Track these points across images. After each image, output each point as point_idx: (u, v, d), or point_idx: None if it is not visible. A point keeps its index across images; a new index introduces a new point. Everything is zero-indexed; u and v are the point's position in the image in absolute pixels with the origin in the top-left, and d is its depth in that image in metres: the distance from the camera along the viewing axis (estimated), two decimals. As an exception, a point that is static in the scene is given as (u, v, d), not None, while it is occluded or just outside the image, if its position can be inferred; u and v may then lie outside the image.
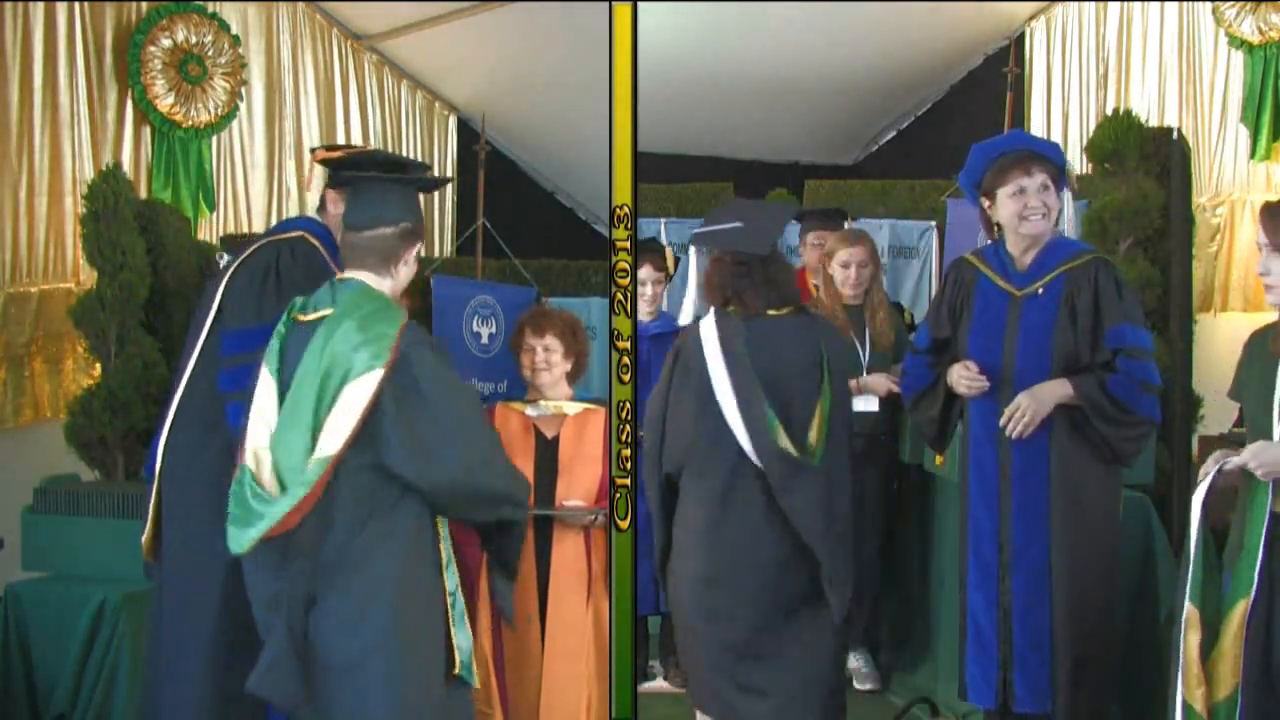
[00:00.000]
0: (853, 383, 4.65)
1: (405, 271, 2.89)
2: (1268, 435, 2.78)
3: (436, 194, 9.19)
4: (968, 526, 3.59)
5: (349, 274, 2.83)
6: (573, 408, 3.79)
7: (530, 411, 3.76)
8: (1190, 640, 2.75)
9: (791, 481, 3.35)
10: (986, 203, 3.59)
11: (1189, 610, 2.76)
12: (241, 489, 2.64)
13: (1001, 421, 3.46)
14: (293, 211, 7.54)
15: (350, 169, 3.12)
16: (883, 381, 4.61)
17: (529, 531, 3.51)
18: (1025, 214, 3.48)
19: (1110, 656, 3.51)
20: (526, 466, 3.64)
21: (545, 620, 3.62)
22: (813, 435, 3.39)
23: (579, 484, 3.68)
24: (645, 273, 4.67)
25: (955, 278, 3.69)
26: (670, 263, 4.91)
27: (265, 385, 2.72)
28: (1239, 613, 2.74)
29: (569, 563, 3.63)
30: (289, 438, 2.64)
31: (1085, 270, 3.49)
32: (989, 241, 3.70)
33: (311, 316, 2.76)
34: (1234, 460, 2.77)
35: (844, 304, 4.75)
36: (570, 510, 3.64)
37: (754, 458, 3.36)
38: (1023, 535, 3.48)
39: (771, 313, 3.48)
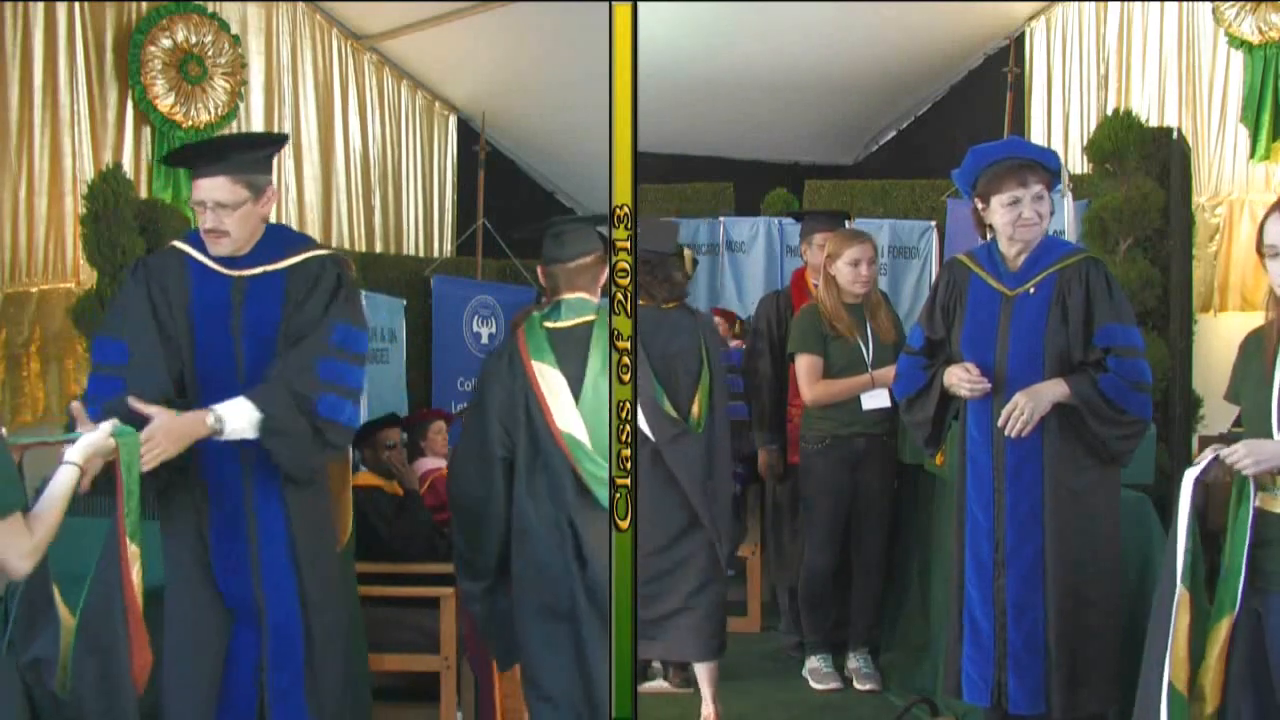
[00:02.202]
0: (865, 377, 4.67)
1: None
2: (1266, 435, 2.77)
3: (436, 194, 9.20)
4: (964, 524, 3.60)
5: (571, 295, 3.44)
6: None
7: None
8: (1181, 622, 2.74)
9: (674, 446, 4.05)
10: (980, 205, 3.60)
11: (1180, 592, 2.75)
12: (584, 463, 3.27)
13: (1000, 422, 3.47)
14: (291, 211, 7.55)
15: (197, 156, 3.30)
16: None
17: None
18: (1019, 224, 3.50)
19: (1109, 657, 3.51)
20: None
21: None
22: (695, 409, 4.11)
23: None
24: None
25: (948, 278, 3.70)
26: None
27: (554, 378, 3.34)
28: (1224, 627, 2.74)
29: None
30: (601, 419, 3.20)
31: (1076, 269, 3.50)
32: (982, 241, 3.71)
33: (573, 322, 3.40)
34: (1225, 451, 2.76)
35: (845, 303, 4.75)
36: None
37: (644, 423, 4.00)
38: (1016, 533, 3.49)
39: (665, 306, 4.20)
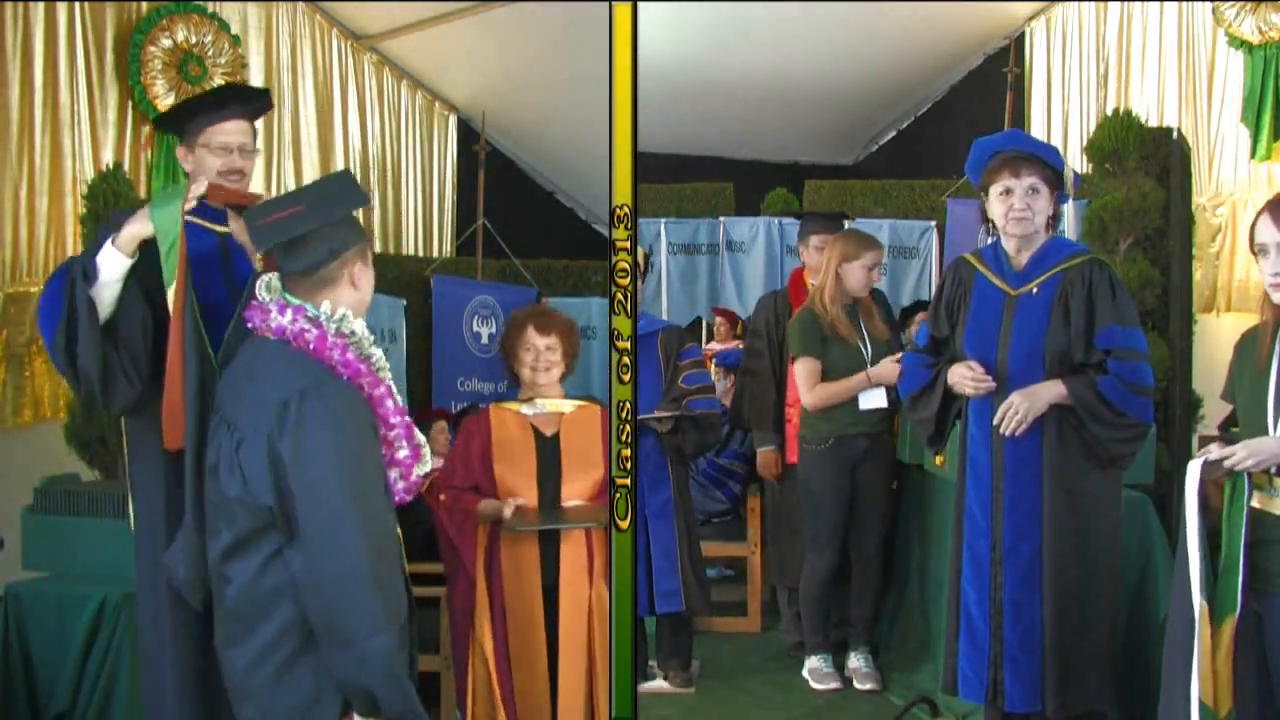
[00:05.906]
0: (861, 375, 4.68)
1: None
2: (1262, 432, 2.76)
3: (436, 194, 9.20)
4: (963, 522, 3.61)
5: None
6: (568, 405, 3.78)
7: (527, 410, 3.76)
8: (1205, 636, 2.69)
9: None
10: (984, 198, 3.63)
11: (1200, 605, 2.70)
12: None
13: (995, 420, 3.48)
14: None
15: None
16: (893, 368, 4.54)
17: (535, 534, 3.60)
18: (1010, 215, 3.52)
19: (1106, 656, 3.51)
20: (529, 466, 3.66)
21: (555, 619, 3.61)
22: None
23: (580, 484, 3.67)
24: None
25: (954, 276, 3.72)
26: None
27: None
28: (1228, 629, 2.71)
29: (577, 562, 3.63)
30: None
31: (1081, 270, 3.51)
32: (989, 238, 3.72)
33: None
34: (1223, 449, 2.75)
35: (843, 303, 4.77)
36: (572, 518, 3.62)
37: None
38: (1014, 532, 3.49)
39: None
